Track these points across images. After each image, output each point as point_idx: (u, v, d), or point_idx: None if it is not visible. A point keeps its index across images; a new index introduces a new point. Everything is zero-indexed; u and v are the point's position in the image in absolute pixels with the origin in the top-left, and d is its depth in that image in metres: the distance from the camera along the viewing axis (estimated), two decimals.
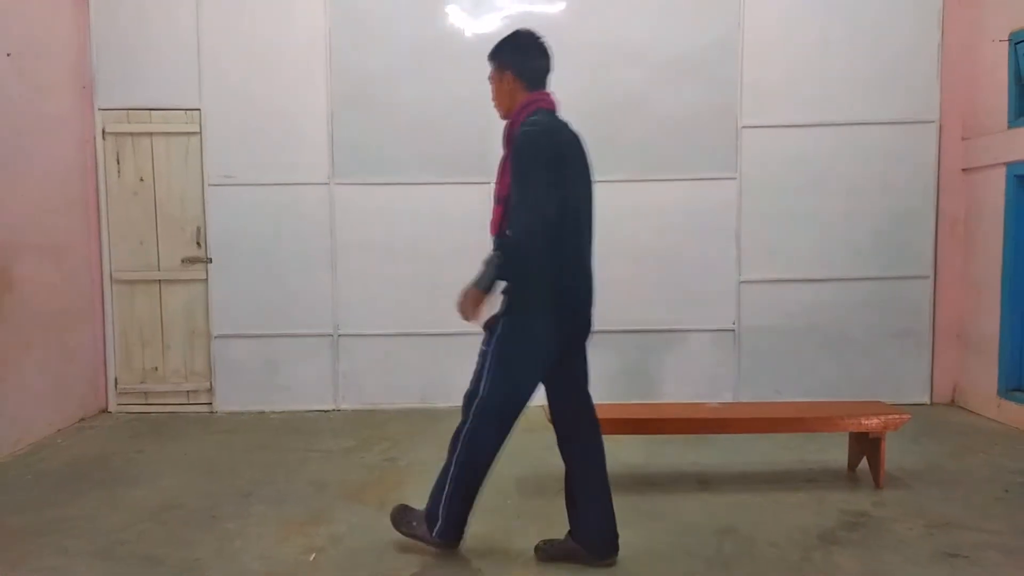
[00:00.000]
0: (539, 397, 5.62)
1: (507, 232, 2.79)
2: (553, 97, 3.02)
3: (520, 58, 3.00)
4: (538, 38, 3.05)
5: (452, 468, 3.00)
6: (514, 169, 2.77)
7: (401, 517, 3.18)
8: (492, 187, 3.01)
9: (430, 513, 3.06)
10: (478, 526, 3.29)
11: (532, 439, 4.60)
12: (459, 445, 2.99)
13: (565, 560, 2.97)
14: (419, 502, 3.58)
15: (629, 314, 5.40)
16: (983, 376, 5.12)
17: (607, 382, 5.37)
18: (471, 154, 5.32)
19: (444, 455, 4.36)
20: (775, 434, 4.26)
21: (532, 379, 2.95)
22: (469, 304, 2.82)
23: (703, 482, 3.86)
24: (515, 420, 2.96)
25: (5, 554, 3.12)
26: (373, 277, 5.38)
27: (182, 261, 5.37)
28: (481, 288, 2.80)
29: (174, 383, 5.44)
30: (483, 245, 5.61)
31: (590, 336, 3.01)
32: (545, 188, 2.70)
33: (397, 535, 3.19)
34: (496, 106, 3.07)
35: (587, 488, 2.97)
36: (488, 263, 2.82)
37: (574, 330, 2.94)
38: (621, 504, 3.51)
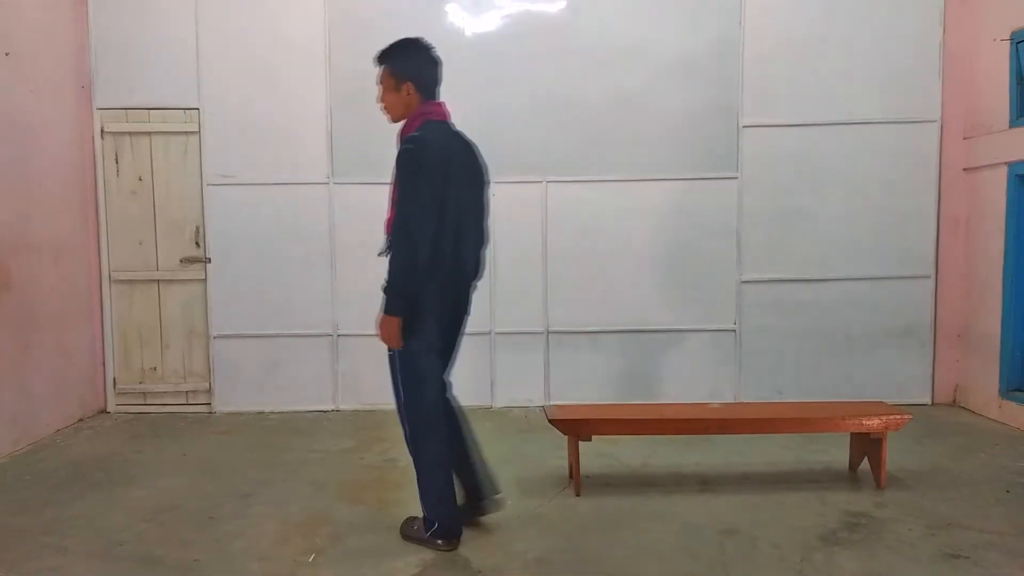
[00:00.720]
0: (537, 398, 5.63)
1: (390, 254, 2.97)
2: (445, 107, 3.17)
3: (418, 68, 3.10)
4: (431, 48, 3.15)
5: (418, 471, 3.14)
6: (397, 188, 2.95)
7: (407, 524, 3.24)
8: (389, 189, 3.14)
9: (426, 517, 3.12)
10: (478, 527, 3.29)
11: (532, 440, 4.60)
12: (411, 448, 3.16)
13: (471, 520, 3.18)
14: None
15: (629, 314, 5.39)
16: (985, 376, 5.11)
17: (608, 382, 5.39)
18: None
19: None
20: (776, 434, 4.25)
21: (429, 377, 3.11)
22: (384, 331, 2.98)
23: (704, 483, 3.85)
24: (436, 414, 3.13)
25: (5, 554, 3.10)
26: (372, 277, 5.28)
27: (181, 261, 5.36)
28: (390, 313, 2.94)
29: (173, 383, 5.43)
30: None
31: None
32: (422, 206, 2.88)
33: (395, 536, 3.21)
34: (386, 110, 3.17)
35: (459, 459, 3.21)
36: (384, 290, 2.96)
37: (446, 332, 3.15)
38: (622, 505, 3.54)
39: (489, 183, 3.25)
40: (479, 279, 3.28)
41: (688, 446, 4.40)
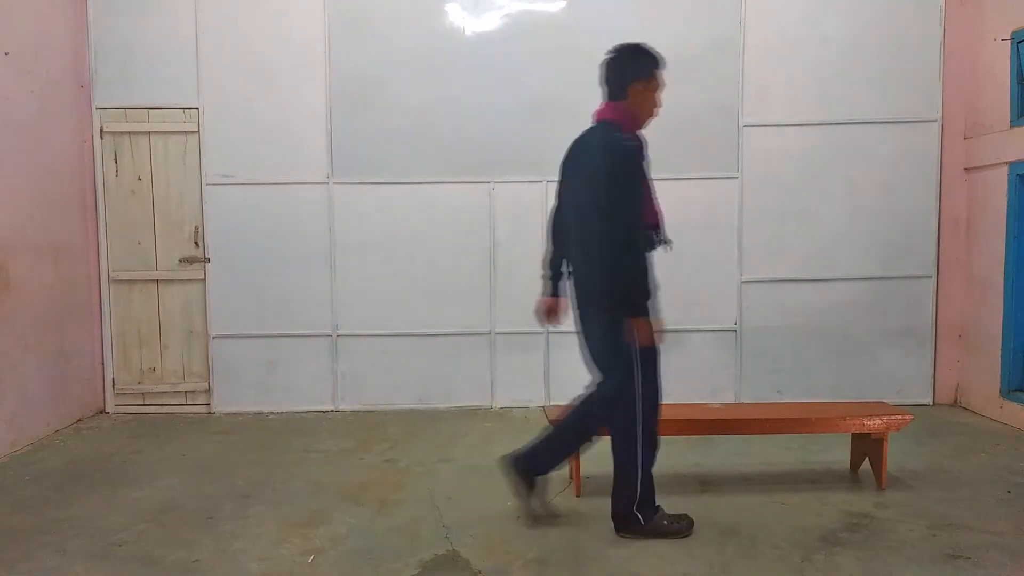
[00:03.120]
0: (537, 398, 5.61)
1: None
2: (601, 107, 3.34)
3: None
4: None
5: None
6: None
7: (647, 527, 3.18)
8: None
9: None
10: (478, 527, 3.29)
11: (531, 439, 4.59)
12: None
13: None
14: (418, 503, 3.58)
15: None
16: (986, 376, 5.10)
17: None
18: (471, 153, 5.30)
19: (443, 455, 4.36)
20: (776, 435, 4.24)
21: None
22: None
23: (704, 483, 3.84)
24: None
25: (4, 555, 3.10)
26: (372, 277, 5.36)
27: (180, 261, 5.35)
28: None
29: (172, 384, 5.42)
30: (481, 244, 5.63)
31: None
32: None
33: (395, 537, 3.22)
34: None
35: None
36: None
37: None
38: None
39: (591, 176, 3.08)
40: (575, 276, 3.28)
41: (688, 446, 4.39)
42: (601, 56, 5.28)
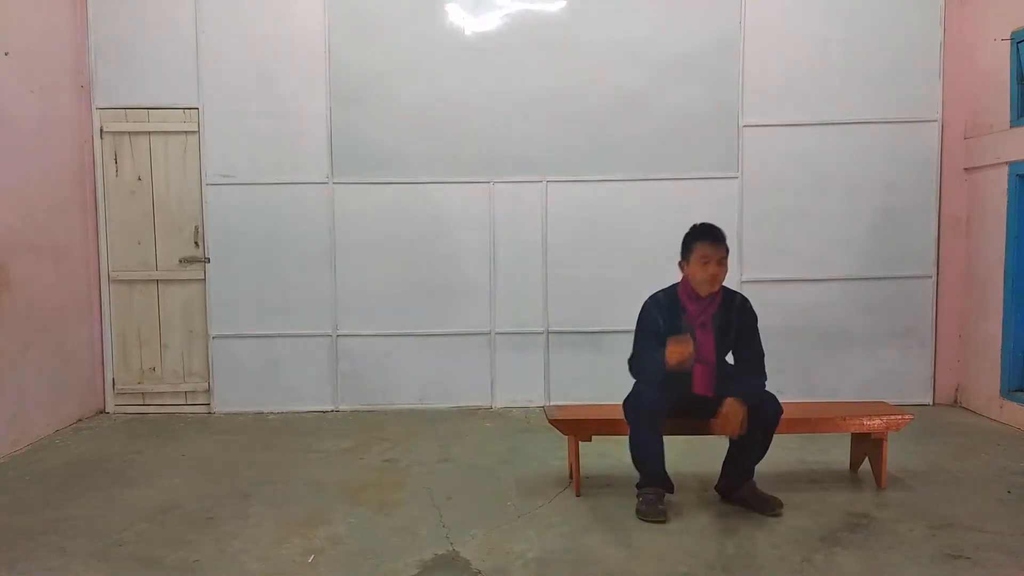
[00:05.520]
0: (537, 398, 5.60)
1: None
2: None
3: None
4: None
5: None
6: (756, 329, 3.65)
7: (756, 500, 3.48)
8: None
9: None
10: (478, 527, 3.29)
11: (532, 440, 4.59)
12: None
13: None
14: (418, 503, 3.58)
15: (629, 314, 5.34)
16: (985, 376, 5.10)
17: (608, 382, 5.35)
18: (471, 153, 5.30)
19: (443, 455, 4.36)
20: (776, 434, 4.23)
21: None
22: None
23: (704, 483, 3.84)
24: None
25: (4, 555, 3.10)
26: (373, 277, 5.36)
27: (180, 261, 5.35)
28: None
29: (172, 383, 5.42)
30: (481, 244, 5.63)
31: None
32: None
33: (395, 537, 3.21)
34: (717, 284, 3.51)
35: None
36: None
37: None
38: (622, 506, 3.52)
39: None
40: None
41: (688, 446, 4.38)
42: (601, 56, 5.33)
